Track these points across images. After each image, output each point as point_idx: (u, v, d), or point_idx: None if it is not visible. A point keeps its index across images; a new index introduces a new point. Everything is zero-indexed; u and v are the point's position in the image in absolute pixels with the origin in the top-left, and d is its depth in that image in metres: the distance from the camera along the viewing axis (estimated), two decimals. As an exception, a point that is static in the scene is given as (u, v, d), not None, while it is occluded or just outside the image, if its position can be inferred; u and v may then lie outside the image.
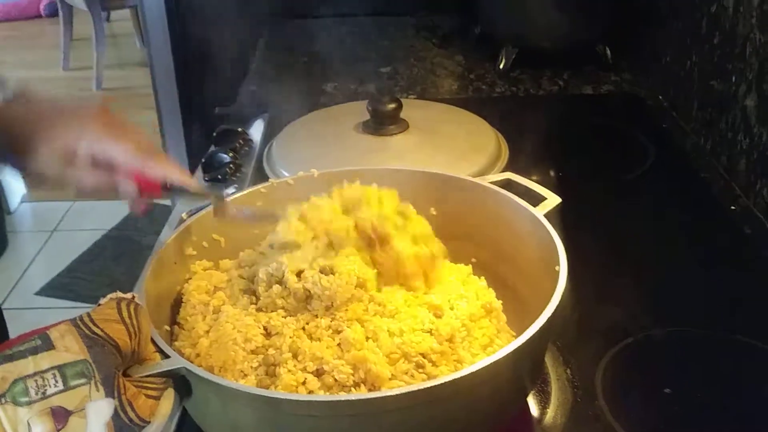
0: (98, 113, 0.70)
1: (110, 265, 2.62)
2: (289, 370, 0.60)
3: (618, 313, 0.82)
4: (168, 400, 0.55)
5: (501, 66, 1.46)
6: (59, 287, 2.53)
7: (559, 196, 0.74)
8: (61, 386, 0.49)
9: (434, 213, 0.78)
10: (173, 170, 0.70)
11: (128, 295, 0.57)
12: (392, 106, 1.03)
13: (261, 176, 1.04)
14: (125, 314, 0.55)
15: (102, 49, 3.93)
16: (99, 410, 0.50)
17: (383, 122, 1.04)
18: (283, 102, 1.38)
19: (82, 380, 0.50)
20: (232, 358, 0.61)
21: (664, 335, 0.80)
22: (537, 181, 0.77)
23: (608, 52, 1.46)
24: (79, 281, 2.55)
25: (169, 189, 0.69)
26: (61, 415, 0.49)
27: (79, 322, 0.53)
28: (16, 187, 3.07)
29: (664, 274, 0.89)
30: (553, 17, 1.40)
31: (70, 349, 0.51)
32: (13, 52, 4.53)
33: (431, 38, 1.66)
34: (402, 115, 1.04)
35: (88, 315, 0.54)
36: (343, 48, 1.58)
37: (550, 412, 0.70)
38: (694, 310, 0.83)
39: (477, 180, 0.77)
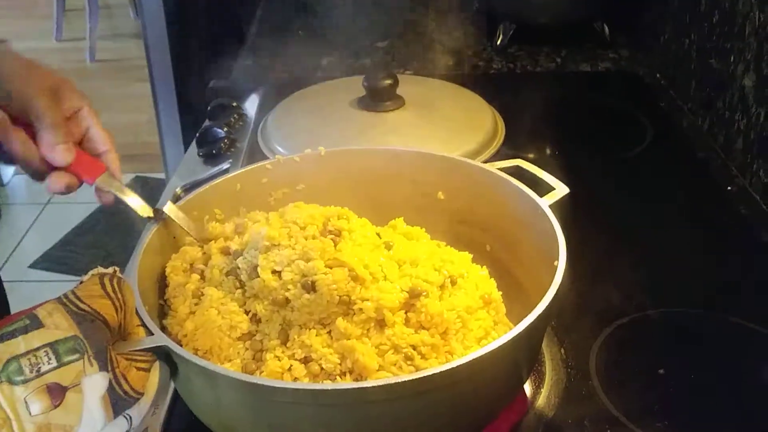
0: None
1: (104, 238, 2.61)
2: (276, 356, 0.60)
3: (613, 292, 0.82)
4: (158, 372, 0.55)
5: (498, 42, 1.45)
6: (53, 260, 2.52)
7: (554, 173, 0.74)
8: (54, 363, 0.49)
9: (442, 197, 0.78)
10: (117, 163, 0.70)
11: (110, 270, 0.57)
12: (388, 82, 1.02)
13: (256, 151, 1.03)
14: (109, 289, 0.54)
15: (95, 19, 3.89)
16: (94, 384, 0.50)
17: (379, 98, 1.03)
18: (278, 76, 1.37)
19: (76, 356, 0.50)
20: (217, 344, 0.61)
21: (659, 316, 0.80)
22: (532, 159, 0.76)
23: (606, 29, 1.45)
24: (73, 254, 2.55)
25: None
26: (57, 392, 0.49)
27: (65, 300, 0.53)
28: (9, 159, 3.05)
29: (660, 253, 0.89)
30: (551, -7, 1.39)
31: (59, 326, 0.51)
32: (4, 23, 4.48)
33: (428, 13, 1.64)
34: (398, 91, 1.03)
35: (73, 293, 0.54)
36: (339, 22, 1.56)
37: (544, 392, 0.70)
38: (689, 291, 0.83)
39: (485, 166, 0.76)
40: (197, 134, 1.12)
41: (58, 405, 0.49)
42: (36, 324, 0.51)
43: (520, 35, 1.45)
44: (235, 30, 1.53)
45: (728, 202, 0.99)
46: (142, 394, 0.53)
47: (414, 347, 0.59)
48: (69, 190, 0.68)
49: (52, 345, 0.50)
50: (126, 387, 0.52)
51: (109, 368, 0.51)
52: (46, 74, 0.68)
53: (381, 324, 0.60)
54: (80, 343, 0.50)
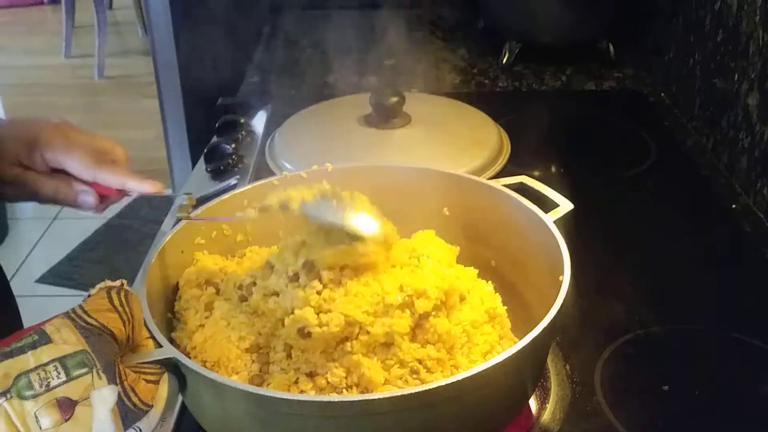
0: (56, 123, 0.72)
1: (111, 253, 2.62)
2: (283, 369, 0.60)
3: (618, 309, 0.82)
4: (167, 384, 0.55)
5: (504, 60, 1.46)
6: (60, 275, 2.53)
7: (559, 190, 0.74)
8: (63, 377, 0.50)
9: (447, 213, 0.78)
10: (130, 177, 0.71)
11: (117, 283, 0.57)
12: (395, 99, 1.03)
13: (263, 168, 1.04)
14: (117, 302, 0.55)
15: (104, 36, 3.92)
16: (103, 398, 0.51)
17: (386, 115, 1.04)
18: (286, 93, 1.39)
19: (84, 369, 0.51)
20: (226, 355, 0.62)
21: (664, 332, 0.80)
22: (538, 177, 0.77)
23: (611, 48, 1.46)
24: (80, 269, 2.56)
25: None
26: (67, 406, 0.49)
27: (72, 315, 0.53)
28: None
29: (664, 271, 0.90)
30: (556, 12, 1.40)
31: (68, 341, 0.51)
32: (14, 39, 4.53)
33: (435, 32, 1.66)
34: (405, 108, 1.04)
35: (81, 307, 0.54)
36: (346, 40, 1.57)
37: (549, 408, 0.70)
38: (693, 308, 0.83)
39: (490, 182, 0.77)
40: (205, 150, 1.13)
41: (69, 419, 0.49)
42: (44, 339, 0.51)
43: (525, 54, 1.46)
44: (243, 47, 1.55)
45: (732, 220, 1.00)
46: (151, 407, 0.53)
47: (420, 361, 0.60)
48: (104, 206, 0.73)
49: (61, 360, 0.50)
50: (135, 399, 0.52)
51: (118, 381, 0.52)
52: None
53: (388, 343, 0.60)
54: (88, 357, 0.51)
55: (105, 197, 0.71)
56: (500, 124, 1.10)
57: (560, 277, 0.61)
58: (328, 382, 0.59)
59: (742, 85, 1.05)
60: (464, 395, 0.54)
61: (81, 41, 4.20)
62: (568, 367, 0.75)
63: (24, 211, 2.98)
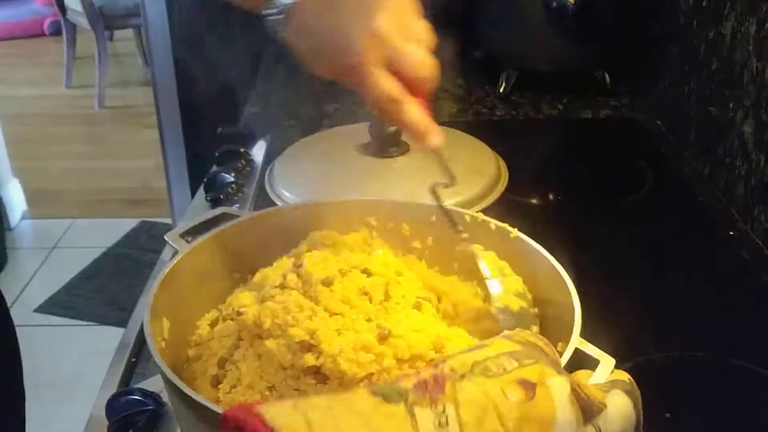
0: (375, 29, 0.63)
1: (110, 282, 2.62)
2: (246, 382, 0.60)
3: (617, 337, 0.82)
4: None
5: (501, 89, 1.47)
6: (59, 304, 2.53)
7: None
8: (516, 365, 0.52)
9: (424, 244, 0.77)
10: (428, 127, 0.67)
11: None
12: (393, 128, 1.04)
13: (263, 197, 1.05)
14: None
15: (104, 67, 3.96)
16: (559, 384, 0.52)
17: (385, 144, 1.04)
18: (285, 123, 1.40)
19: (532, 360, 0.53)
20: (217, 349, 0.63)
21: (664, 360, 0.80)
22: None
23: (607, 77, 1.47)
24: (79, 299, 2.55)
25: None
26: (528, 386, 0.51)
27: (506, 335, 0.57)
28: (16, 203, 3.08)
29: (663, 298, 0.90)
30: (553, 42, 1.42)
31: (505, 345, 0.55)
32: (16, 70, 4.57)
33: (432, 61, 1.67)
34: (403, 137, 1.05)
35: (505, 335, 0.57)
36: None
37: (549, 436, 0.70)
38: (693, 335, 0.83)
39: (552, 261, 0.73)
40: (205, 179, 1.13)
41: (533, 397, 0.51)
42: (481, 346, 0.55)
43: (522, 83, 1.47)
44: (243, 77, 1.56)
45: (730, 247, 1.00)
46: (605, 406, 0.54)
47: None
48: None
49: (509, 353, 0.53)
50: (589, 394, 0.54)
51: (566, 375, 0.53)
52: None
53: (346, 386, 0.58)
54: (532, 353, 0.53)
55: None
56: (498, 153, 1.10)
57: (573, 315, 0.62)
58: (261, 396, 0.58)
59: (737, 113, 1.06)
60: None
61: (82, 72, 4.24)
62: (567, 395, 0.74)
63: (23, 240, 2.99)
